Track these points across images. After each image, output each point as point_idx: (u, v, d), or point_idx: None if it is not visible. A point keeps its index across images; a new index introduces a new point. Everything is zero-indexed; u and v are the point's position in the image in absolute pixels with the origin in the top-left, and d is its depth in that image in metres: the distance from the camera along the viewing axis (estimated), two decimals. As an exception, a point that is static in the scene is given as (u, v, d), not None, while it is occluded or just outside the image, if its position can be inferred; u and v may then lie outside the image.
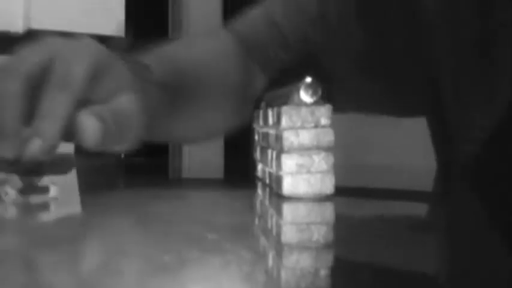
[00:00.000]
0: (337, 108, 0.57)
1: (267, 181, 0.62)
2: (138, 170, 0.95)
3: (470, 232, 0.45)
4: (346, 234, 0.44)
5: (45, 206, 0.56)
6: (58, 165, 0.59)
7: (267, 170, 0.62)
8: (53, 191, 0.56)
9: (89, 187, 0.76)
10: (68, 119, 0.52)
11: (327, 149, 0.54)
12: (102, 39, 2.34)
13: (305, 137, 0.54)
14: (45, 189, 0.56)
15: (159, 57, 0.74)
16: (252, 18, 0.87)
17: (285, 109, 0.54)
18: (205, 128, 0.84)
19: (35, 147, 0.51)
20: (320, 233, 0.44)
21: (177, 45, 0.84)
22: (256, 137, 0.70)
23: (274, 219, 0.50)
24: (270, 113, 0.60)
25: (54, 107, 0.53)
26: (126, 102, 0.57)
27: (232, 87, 0.83)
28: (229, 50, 0.84)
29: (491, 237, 0.43)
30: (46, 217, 0.55)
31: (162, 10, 3.20)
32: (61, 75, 0.54)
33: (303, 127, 0.54)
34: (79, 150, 0.57)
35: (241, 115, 0.83)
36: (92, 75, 0.56)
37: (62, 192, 0.57)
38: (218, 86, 0.82)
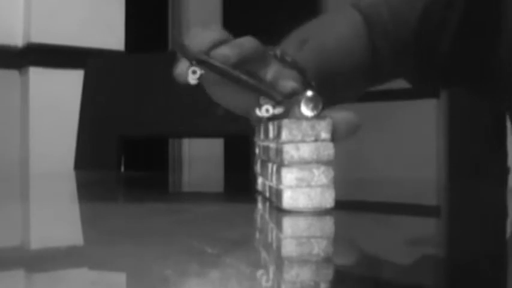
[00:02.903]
0: None
1: (267, 195, 0.62)
2: (137, 184, 0.95)
3: (471, 246, 0.45)
4: (346, 248, 0.44)
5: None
6: None
7: (267, 183, 0.62)
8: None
9: (89, 200, 0.76)
10: None
11: (327, 163, 0.54)
12: (102, 53, 2.35)
13: (305, 150, 0.54)
14: None
15: (312, 50, 0.89)
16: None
17: (285, 123, 0.54)
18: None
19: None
20: (320, 247, 0.44)
21: (322, 33, 0.96)
22: (256, 151, 0.70)
23: (274, 233, 0.50)
24: (270, 126, 0.60)
25: None
26: None
27: (362, 66, 0.95)
28: (361, 32, 0.95)
29: (493, 251, 0.43)
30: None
31: (162, 24, 3.21)
32: None
33: (303, 141, 0.54)
34: (78, 165, 0.59)
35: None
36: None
37: None
38: (353, 62, 0.94)
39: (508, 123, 2.08)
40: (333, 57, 0.93)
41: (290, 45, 0.89)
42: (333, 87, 0.92)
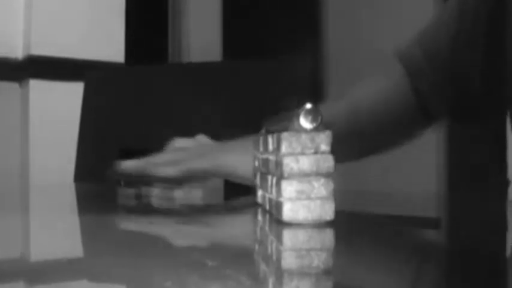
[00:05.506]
0: None
1: (267, 207, 0.62)
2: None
3: (471, 258, 0.45)
4: (346, 261, 0.44)
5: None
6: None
7: (267, 196, 0.62)
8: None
9: (89, 212, 0.76)
10: None
11: (327, 175, 0.54)
12: (102, 65, 2.35)
13: (305, 163, 0.54)
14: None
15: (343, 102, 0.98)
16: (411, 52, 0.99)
17: (284, 135, 0.54)
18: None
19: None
20: (320, 259, 0.44)
21: (358, 94, 1.02)
22: (256, 163, 0.71)
23: (274, 245, 0.50)
24: (269, 139, 0.60)
25: None
26: None
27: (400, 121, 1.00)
28: (400, 80, 0.98)
29: (493, 263, 0.43)
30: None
31: (162, 37, 3.22)
32: None
33: (302, 153, 0.54)
34: (78, 177, 0.59)
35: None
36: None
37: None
38: (388, 114, 0.99)
39: (509, 135, 2.08)
40: (364, 108, 0.95)
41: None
42: (361, 137, 0.94)
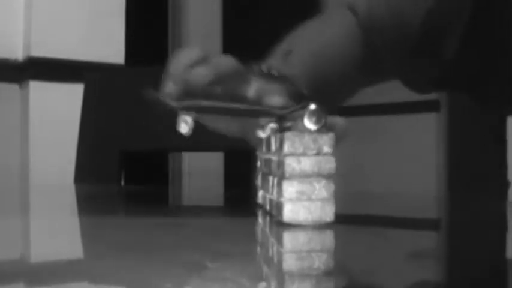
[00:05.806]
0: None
1: (268, 208, 0.62)
2: (137, 198, 0.95)
3: (472, 260, 0.45)
4: (347, 262, 0.44)
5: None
6: None
7: (268, 196, 0.62)
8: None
9: (89, 213, 0.76)
10: None
11: (328, 177, 0.54)
12: (102, 66, 2.35)
13: (306, 164, 0.54)
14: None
15: (300, 57, 0.92)
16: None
17: (287, 135, 0.54)
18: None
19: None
20: (321, 261, 0.44)
21: (311, 33, 0.99)
22: (258, 163, 0.70)
23: (274, 247, 0.50)
24: (272, 139, 0.60)
25: None
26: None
27: (355, 64, 0.96)
28: (352, 29, 0.95)
29: (493, 264, 0.43)
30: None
31: (162, 38, 3.22)
32: None
33: (304, 154, 0.54)
34: (78, 179, 0.59)
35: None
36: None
37: None
38: (346, 65, 0.96)
39: (509, 135, 2.08)
40: (323, 59, 0.93)
41: (275, 58, 0.89)
42: (328, 89, 0.91)
